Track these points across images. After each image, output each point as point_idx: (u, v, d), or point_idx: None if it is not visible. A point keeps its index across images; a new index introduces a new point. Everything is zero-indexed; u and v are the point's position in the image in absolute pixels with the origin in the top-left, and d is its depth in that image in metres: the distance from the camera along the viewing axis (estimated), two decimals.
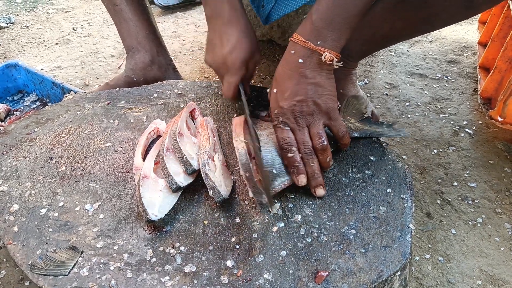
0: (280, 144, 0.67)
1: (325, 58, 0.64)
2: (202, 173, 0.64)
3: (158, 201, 0.62)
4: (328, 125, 0.68)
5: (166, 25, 1.73)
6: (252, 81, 1.28)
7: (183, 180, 0.65)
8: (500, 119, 0.97)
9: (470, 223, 0.85)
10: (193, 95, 0.91)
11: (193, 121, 0.81)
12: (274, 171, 0.66)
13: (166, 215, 0.63)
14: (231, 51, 0.74)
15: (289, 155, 0.65)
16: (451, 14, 0.76)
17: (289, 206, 0.64)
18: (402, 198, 0.65)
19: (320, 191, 0.65)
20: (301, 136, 0.66)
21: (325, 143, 0.66)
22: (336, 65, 0.66)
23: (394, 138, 1.06)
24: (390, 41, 0.92)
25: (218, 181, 0.64)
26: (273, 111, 0.69)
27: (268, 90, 0.74)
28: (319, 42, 0.64)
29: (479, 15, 1.47)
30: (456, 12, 0.75)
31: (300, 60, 0.66)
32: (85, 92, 0.95)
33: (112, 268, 0.56)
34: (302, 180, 0.65)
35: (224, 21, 0.75)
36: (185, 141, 0.71)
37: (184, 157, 0.66)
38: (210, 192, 0.63)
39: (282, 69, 0.69)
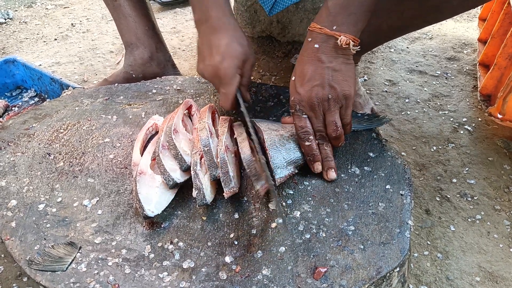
0: (298, 132, 0.68)
1: (340, 42, 0.64)
2: (192, 171, 0.63)
3: (154, 197, 0.62)
4: (339, 111, 0.69)
5: (165, 21, 1.72)
6: (252, 77, 1.27)
7: (179, 176, 0.65)
8: (499, 116, 0.96)
9: (469, 220, 0.85)
10: (192, 91, 0.91)
11: (191, 118, 0.80)
12: (282, 161, 0.67)
13: (164, 211, 0.63)
14: (221, 60, 0.70)
15: (307, 143, 0.67)
16: (461, 1, 0.75)
17: (288, 202, 0.64)
18: (401, 195, 0.65)
19: (332, 174, 0.67)
20: (317, 124, 0.68)
21: (339, 131, 0.68)
22: (353, 49, 0.65)
23: (393, 135, 1.06)
24: (398, 32, 0.91)
25: (206, 184, 0.63)
26: (291, 97, 0.69)
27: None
28: (334, 27, 0.65)
29: (480, 11, 1.46)
30: None
31: (316, 45, 0.66)
32: (84, 87, 0.95)
33: (110, 263, 0.56)
34: (318, 167, 0.67)
35: (211, 26, 0.72)
36: (180, 138, 0.71)
37: (179, 153, 0.66)
38: (195, 193, 0.61)
39: (300, 57, 0.69)
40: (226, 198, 0.62)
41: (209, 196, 0.62)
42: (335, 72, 0.66)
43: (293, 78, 0.70)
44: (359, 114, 0.80)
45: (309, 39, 0.67)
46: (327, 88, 0.66)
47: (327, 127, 0.68)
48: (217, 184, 0.66)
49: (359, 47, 0.66)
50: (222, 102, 0.73)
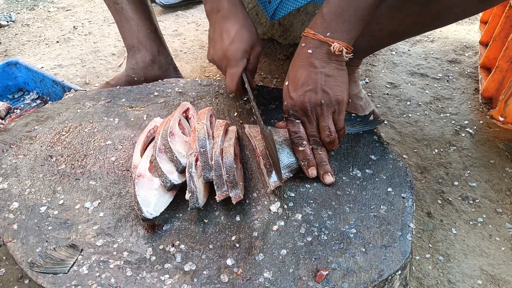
0: (291, 137, 0.68)
1: (333, 48, 0.65)
2: (186, 173, 0.63)
3: (153, 199, 0.62)
4: (332, 116, 0.69)
5: (167, 24, 1.73)
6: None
7: (177, 178, 0.65)
8: (501, 119, 0.96)
9: (470, 222, 0.85)
10: (193, 93, 0.91)
11: (188, 121, 0.80)
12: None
13: (165, 213, 0.63)
14: (230, 43, 0.75)
15: (300, 148, 0.67)
16: (463, 8, 0.74)
17: (289, 205, 0.64)
18: (403, 197, 0.65)
19: (329, 178, 0.66)
20: (311, 130, 0.68)
21: (333, 136, 0.68)
22: (346, 56, 0.66)
23: (395, 138, 1.06)
24: (398, 37, 0.91)
25: (200, 188, 0.63)
26: (285, 102, 0.69)
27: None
28: (328, 34, 0.65)
29: (481, 14, 1.47)
30: (469, 5, 0.74)
31: (309, 51, 0.67)
32: (86, 90, 0.95)
33: (111, 266, 0.56)
34: (312, 172, 0.67)
35: (223, 16, 0.77)
36: (176, 140, 0.71)
37: (174, 155, 0.66)
38: (188, 195, 0.61)
39: (293, 62, 0.70)
40: (218, 201, 0.62)
41: (201, 200, 0.62)
42: (328, 77, 0.66)
43: (286, 83, 0.70)
44: (352, 117, 0.80)
45: (303, 45, 0.68)
46: (320, 93, 0.66)
47: (320, 132, 0.68)
48: (210, 187, 0.66)
49: (352, 54, 0.67)
50: (228, 82, 0.78)
